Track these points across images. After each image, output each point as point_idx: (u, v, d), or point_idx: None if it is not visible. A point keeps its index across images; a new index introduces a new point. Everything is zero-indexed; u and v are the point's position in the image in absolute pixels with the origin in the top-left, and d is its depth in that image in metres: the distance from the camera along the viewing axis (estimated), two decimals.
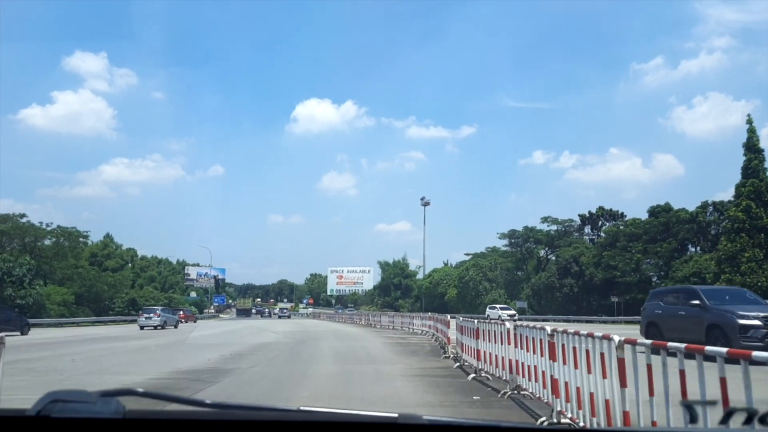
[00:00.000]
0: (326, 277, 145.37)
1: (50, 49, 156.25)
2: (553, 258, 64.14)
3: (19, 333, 26.95)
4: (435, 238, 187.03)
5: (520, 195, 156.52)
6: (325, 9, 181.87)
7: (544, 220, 63.42)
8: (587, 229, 63.51)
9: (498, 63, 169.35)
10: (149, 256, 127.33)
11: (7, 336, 10.22)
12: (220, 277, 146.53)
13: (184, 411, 1.22)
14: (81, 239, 62.36)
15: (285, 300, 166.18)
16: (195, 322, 56.19)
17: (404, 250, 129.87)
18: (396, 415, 1.21)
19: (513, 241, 70.22)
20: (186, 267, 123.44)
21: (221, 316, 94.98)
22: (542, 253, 68.16)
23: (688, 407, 1.64)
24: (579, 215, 63.12)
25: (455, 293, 77.89)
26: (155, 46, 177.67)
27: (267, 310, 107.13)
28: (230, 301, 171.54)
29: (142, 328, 34.99)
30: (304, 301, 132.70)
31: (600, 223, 61.87)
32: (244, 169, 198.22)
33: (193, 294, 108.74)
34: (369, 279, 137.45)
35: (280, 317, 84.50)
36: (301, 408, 1.25)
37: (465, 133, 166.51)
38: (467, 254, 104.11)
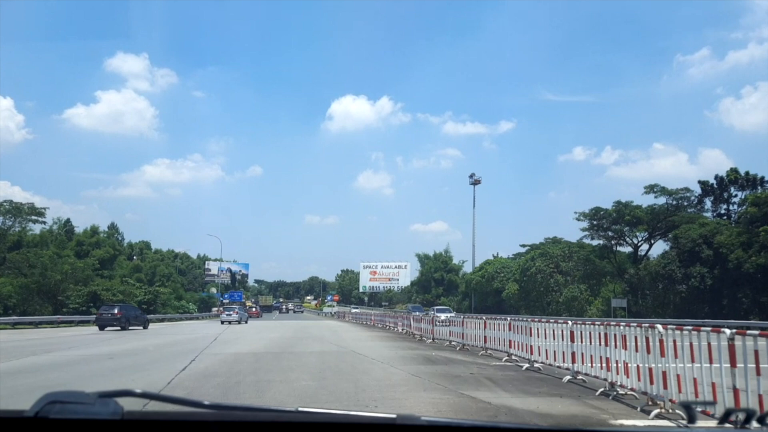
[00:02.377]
0: (358, 273, 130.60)
1: (93, 51, 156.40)
2: (668, 239, 46.81)
3: (141, 327, 31.77)
4: (471, 237, 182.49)
5: (560, 192, 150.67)
6: (360, 4, 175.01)
7: (649, 189, 45.92)
8: (708, 202, 45.84)
9: (537, 56, 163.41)
10: (164, 249, 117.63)
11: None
12: (244, 272, 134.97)
13: (183, 411, 1.21)
14: (34, 217, 48.51)
15: (312, 297, 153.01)
16: (260, 316, 61.97)
17: (441, 249, 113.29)
18: (394, 415, 1.21)
19: (596, 222, 52.98)
20: (206, 262, 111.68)
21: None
22: (640, 235, 50.69)
23: (687, 407, 1.53)
24: (699, 182, 45.51)
25: (516, 289, 61.24)
26: (194, 46, 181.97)
27: (284, 306, 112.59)
28: (255, 298, 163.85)
29: (222, 323, 39.63)
30: (329, 298, 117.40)
31: (730, 192, 44.26)
32: (281, 169, 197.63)
33: (213, 290, 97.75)
34: (405, 275, 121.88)
35: (294, 312, 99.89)
36: (300, 409, 1.24)
37: (503, 128, 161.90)
38: (524, 245, 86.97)
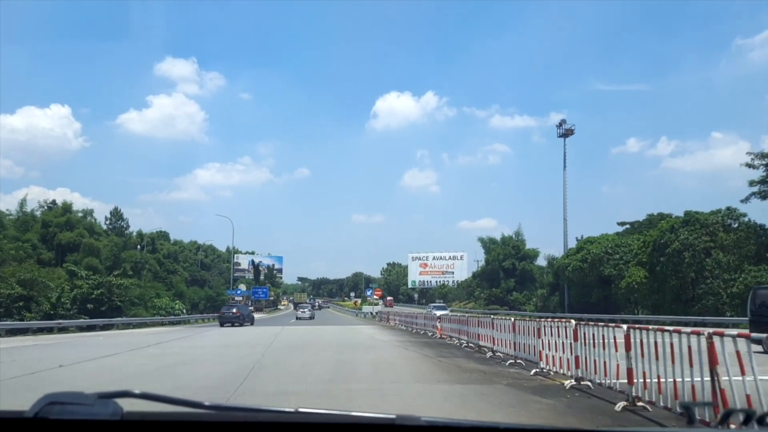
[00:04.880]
0: (406, 267, 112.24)
1: (142, 56, 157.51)
2: None
3: (250, 324, 34.98)
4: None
5: (613, 186, 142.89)
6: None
7: None
8: None
9: (586, 44, 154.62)
10: (186, 241, 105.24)
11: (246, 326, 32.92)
12: (278, 266, 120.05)
13: (183, 412, 1.21)
14: None
15: (353, 294, 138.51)
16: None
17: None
18: (394, 416, 1.21)
19: None
20: (236, 255, 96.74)
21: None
22: None
23: (687, 408, 1.57)
24: None
25: (643, 276, 41.23)
26: (240, 49, 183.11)
27: (317, 303, 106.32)
28: (290, 296, 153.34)
29: (297, 318, 47.73)
30: (369, 293, 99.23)
31: None
32: (328, 170, 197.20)
33: (242, 287, 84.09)
34: (462, 267, 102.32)
35: (320, 307, 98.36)
36: (299, 409, 1.25)
37: (553, 120, 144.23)
38: (622, 223, 66.02)
